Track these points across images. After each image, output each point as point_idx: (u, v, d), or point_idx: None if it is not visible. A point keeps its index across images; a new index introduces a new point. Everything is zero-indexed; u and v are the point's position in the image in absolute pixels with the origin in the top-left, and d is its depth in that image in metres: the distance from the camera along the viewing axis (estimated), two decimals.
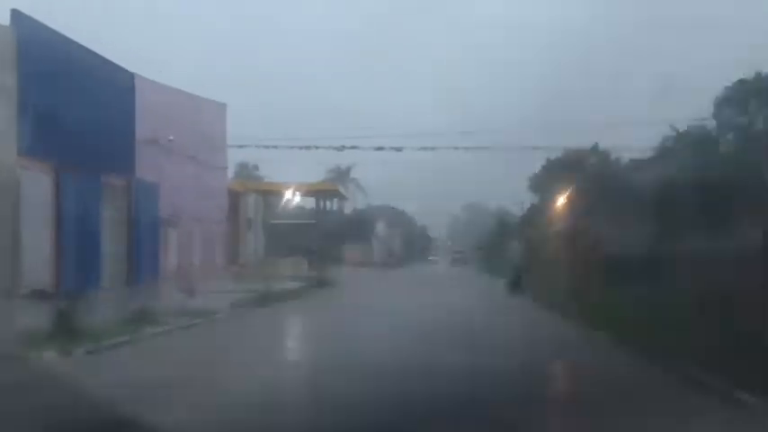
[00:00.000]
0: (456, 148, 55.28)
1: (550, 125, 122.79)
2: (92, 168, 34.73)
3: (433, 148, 55.52)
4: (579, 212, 49.60)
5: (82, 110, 33.98)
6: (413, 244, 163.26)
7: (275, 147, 55.85)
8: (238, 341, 21.17)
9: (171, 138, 42.07)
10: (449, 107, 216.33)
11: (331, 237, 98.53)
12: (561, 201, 47.75)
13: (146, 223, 40.49)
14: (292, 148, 56.13)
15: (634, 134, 63.67)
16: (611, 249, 44.19)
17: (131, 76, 39.53)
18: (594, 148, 51.00)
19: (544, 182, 77.80)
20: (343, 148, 55.50)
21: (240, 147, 55.27)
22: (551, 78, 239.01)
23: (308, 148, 55.69)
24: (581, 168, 63.82)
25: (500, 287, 50.19)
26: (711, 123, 65.42)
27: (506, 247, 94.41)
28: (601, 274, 41.33)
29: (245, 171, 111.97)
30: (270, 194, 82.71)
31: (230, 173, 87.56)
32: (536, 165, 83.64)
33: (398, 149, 55.69)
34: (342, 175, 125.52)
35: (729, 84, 66.07)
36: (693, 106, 65.67)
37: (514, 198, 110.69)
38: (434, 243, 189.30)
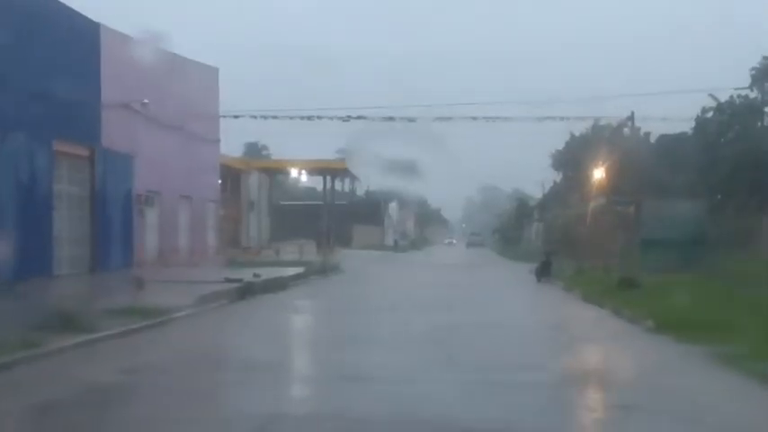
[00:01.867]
0: (474, 118, 48.58)
1: (576, 96, 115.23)
2: (42, 133, 28.18)
3: (448, 119, 48.90)
4: (622, 188, 43.03)
5: (29, 62, 27.52)
6: (427, 226, 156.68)
7: (275, 117, 49.17)
8: (181, 363, 14.51)
9: (145, 101, 35.50)
10: (465, 77, 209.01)
11: (342, 218, 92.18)
12: (598, 176, 41.03)
13: (115, 200, 33.93)
14: (293, 118, 49.67)
15: (667, 104, 56.49)
16: (666, 228, 37.58)
17: (96, 26, 32.89)
18: (630, 119, 44.06)
19: (569, 158, 71.03)
20: (349, 118, 48.97)
21: (235, 117, 48.65)
22: (577, 47, 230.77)
23: (309, 118, 49.21)
24: (611, 143, 57.08)
25: (524, 273, 43.63)
26: (751, 94, 58.86)
27: (525, 230, 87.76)
28: (656, 259, 34.69)
29: (254, 151, 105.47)
30: (275, 173, 76.13)
31: (238, 153, 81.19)
32: (559, 141, 76.95)
33: (411, 120, 49.24)
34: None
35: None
36: (730, 76, 58.65)
37: (532, 178, 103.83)
38: (449, 225, 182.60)
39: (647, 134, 65.41)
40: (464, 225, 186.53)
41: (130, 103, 35.13)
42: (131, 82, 35.34)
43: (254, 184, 70.99)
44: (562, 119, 48.23)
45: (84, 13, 31.71)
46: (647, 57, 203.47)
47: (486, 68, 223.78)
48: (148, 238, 37.94)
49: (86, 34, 32.09)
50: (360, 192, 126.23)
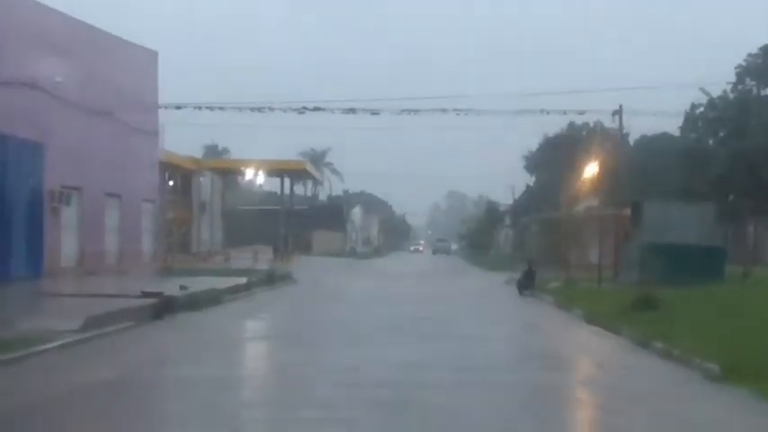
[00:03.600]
0: (444, 110, 42.96)
1: (556, 89, 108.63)
2: None
3: (416, 111, 43.29)
4: (614, 189, 37.32)
5: None
6: (392, 232, 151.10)
7: (221, 108, 43.34)
8: None
9: (58, 79, 29.46)
10: (436, 70, 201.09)
11: (302, 223, 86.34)
12: (589, 175, 35.32)
13: (18, 196, 27.92)
14: (242, 109, 44.02)
15: (651, 100, 50.91)
16: (669, 234, 31.92)
17: None
18: (618, 112, 38.67)
19: (544, 160, 65.68)
20: (304, 109, 43.36)
21: (177, 108, 42.76)
22: (559, 40, 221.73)
23: (260, 109, 43.51)
24: (596, 141, 51.69)
25: (500, 284, 38.07)
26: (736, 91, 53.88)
27: (496, 236, 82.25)
28: (659, 268, 29.07)
29: (213, 154, 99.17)
30: (230, 174, 70.03)
31: (196, 155, 74.69)
32: (531, 142, 71.60)
33: (375, 113, 43.60)
34: (316, 158, 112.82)
35: (754, 51, 54.72)
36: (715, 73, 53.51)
37: (499, 183, 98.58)
38: (414, 232, 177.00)
39: (626, 135, 60.37)
40: (429, 232, 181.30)
41: (40, 81, 29.07)
42: (43, 57, 29.33)
43: (206, 185, 64.94)
44: (542, 112, 42.51)
45: None
46: (632, 51, 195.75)
47: (461, 62, 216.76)
48: (66, 241, 31.91)
49: None
50: (323, 196, 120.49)
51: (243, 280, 32.54)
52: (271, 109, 43.14)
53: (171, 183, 61.95)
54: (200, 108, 42.90)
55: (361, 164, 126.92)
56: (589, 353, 16.25)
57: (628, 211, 31.72)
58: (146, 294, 22.67)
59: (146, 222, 40.60)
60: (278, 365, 14.27)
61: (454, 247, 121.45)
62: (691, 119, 53.00)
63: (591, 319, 20.55)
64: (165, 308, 21.46)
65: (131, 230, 38.14)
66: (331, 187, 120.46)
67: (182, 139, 68.14)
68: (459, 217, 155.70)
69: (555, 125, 67.89)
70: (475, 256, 79.95)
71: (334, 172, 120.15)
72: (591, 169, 34.41)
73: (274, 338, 17.85)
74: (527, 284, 31.39)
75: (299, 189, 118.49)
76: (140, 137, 39.07)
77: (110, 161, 35.38)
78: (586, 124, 67.72)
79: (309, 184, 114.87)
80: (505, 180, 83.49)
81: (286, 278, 38.14)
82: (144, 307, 20.91)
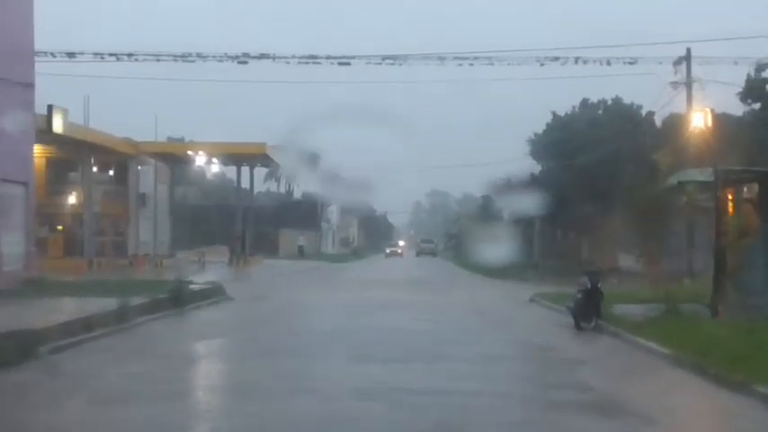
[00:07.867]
0: (441, 58, 30.07)
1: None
2: None
3: (403, 59, 30.25)
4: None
5: None
6: (372, 232, 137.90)
7: (131, 55, 29.96)
8: None
9: None
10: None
11: (270, 222, 73.55)
12: (696, 127, 22.06)
13: None
14: (161, 58, 30.68)
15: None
16: None
17: None
18: (686, 59, 25.67)
19: (556, 143, 52.65)
20: (246, 58, 30.18)
21: (70, 55, 29.56)
22: None
23: (185, 57, 30.29)
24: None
25: (523, 301, 25.59)
26: None
27: (496, 234, 69.27)
28: None
29: None
30: (180, 163, 56.45)
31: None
32: (534, 126, 58.39)
33: (345, 63, 30.58)
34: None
35: None
36: None
37: (488, 176, 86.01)
38: (396, 231, 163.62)
39: (651, 113, 47.70)
40: (412, 231, 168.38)
41: None
42: None
43: (147, 174, 51.74)
44: (576, 61, 29.67)
45: None
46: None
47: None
48: None
49: None
50: (298, 194, 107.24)
51: (136, 301, 19.30)
52: (201, 57, 29.97)
53: (112, 172, 49.79)
54: (102, 57, 29.64)
55: (342, 160, 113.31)
56: None
57: (752, 189, 18.73)
58: None
59: (14, 214, 27.19)
60: None
61: (440, 247, 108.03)
62: (753, 85, 39.90)
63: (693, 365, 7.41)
64: None
65: None
66: (306, 182, 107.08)
67: (139, 130, 55.19)
68: (443, 216, 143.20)
69: (565, 103, 55.11)
70: (466, 258, 66.95)
71: None
72: (704, 116, 21.30)
73: None
74: (590, 312, 18.27)
75: (272, 186, 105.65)
76: (2, 91, 25.76)
77: None
78: (603, 101, 55.12)
79: (282, 179, 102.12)
80: (496, 172, 71.03)
81: (212, 295, 25.04)
82: None
